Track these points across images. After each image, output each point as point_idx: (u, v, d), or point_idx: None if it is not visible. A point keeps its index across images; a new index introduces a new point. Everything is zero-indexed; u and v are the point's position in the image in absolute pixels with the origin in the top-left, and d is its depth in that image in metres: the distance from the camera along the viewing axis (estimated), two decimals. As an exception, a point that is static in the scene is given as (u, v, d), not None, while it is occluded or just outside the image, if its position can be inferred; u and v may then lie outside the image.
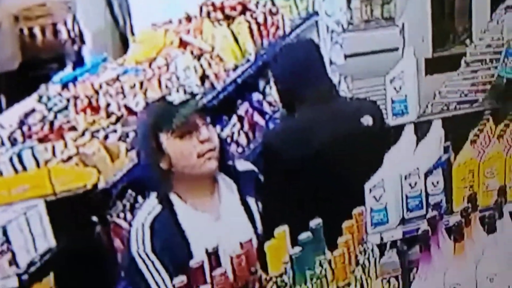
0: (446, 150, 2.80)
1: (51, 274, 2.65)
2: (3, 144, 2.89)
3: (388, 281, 2.63)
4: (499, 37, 3.11)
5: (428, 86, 3.07)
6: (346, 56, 3.56)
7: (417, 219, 2.68)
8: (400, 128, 2.82)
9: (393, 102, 2.87)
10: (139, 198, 2.95)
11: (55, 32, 2.50)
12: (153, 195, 2.52)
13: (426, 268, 2.44)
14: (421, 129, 2.84)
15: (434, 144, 2.83)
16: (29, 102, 3.10)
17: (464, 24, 3.51)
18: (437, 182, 2.72)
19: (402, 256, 2.68)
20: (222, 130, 3.43)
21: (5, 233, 2.49)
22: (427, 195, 2.69)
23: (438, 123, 2.81)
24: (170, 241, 2.44)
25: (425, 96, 2.96)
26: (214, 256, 2.23)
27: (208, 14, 3.40)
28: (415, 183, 2.74)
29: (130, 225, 2.66)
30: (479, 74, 3.09)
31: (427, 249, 2.41)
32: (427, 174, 2.69)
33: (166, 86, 3.14)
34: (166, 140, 2.42)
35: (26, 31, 2.59)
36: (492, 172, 2.82)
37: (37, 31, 2.54)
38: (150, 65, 3.29)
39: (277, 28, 3.58)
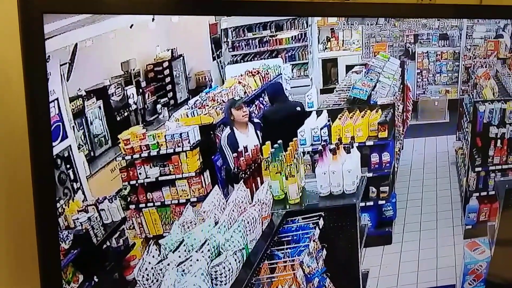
0: (329, 120, 3.61)
1: (198, 148, 3.64)
2: (189, 108, 3.86)
3: (306, 166, 3.62)
4: (349, 81, 4.02)
5: (321, 98, 3.75)
6: (291, 87, 4.12)
7: (317, 144, 3.61)
8: (310, 112, 3.65)
9: (308, 102, 3.65)
10: (224, 128, 3.79)
11: (205, 78, 3.92)
12: (228, 127, 3.68)
13: (321, 163, 3.48)
14: (318, 113, 3.64)
15: (323, 118, 3.66)
16: (196, 97, 3.65)
17: (335, 77, 4.20)
18: (326, 132, 3.62)
19: (311, 157, 3.62)
20: (249, 107, 4.05)
21: (184, 134, 3.55)
22: (321, 136, 3.61)
23: (325, 111, 3.65)
24: (232, 142, 3.65)
25: (320, 102, 3.65)
26: (245, 148, 3.45)
27: (247, 73, 4.32)
28: (316, 131, 3.61)
29: (221, 135, 3.75)
30: (341, 94, 3.75)
31: (321, 156, 3.45)
32: (321, 129, 3.58)
33: (234, 95, 4.22)
34: (233, 110, 3.70)
35: (197, 77, 4.16)
36: (348, 130, 3.64)
37: (200, 77, 4.24)
38: (229, 88, 4.27)
39: (268, 78, 4.45)
